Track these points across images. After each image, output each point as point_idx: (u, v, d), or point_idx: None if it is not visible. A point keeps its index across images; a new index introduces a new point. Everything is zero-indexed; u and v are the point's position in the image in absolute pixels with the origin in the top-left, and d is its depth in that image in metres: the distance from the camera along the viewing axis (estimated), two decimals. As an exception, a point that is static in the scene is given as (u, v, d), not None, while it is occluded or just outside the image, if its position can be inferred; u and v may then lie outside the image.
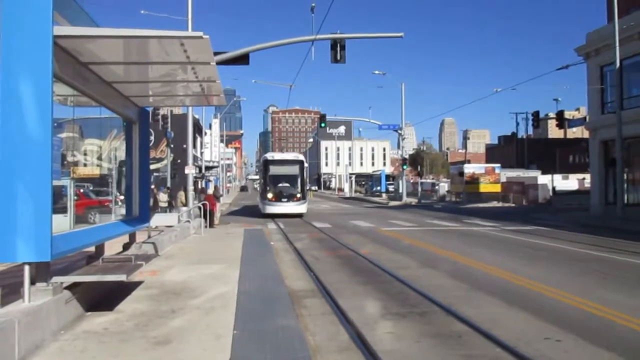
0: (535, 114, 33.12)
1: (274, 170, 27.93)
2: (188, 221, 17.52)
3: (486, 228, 20.29)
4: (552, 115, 44.64)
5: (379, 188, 64.63)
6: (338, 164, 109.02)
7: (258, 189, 41.71)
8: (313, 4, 19.49)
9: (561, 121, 28.49)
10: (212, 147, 62.96)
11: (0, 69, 5.18)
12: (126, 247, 10.00)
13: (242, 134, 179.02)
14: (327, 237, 17.23)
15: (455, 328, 6.29)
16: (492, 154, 79.27)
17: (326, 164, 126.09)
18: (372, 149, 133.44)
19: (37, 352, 4.87)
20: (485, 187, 42.46)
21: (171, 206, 23.69)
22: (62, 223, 6.69)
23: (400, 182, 48.27)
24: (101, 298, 6.96)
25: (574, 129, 53.84)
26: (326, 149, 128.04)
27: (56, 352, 4.94)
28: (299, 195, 27.19)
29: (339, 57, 18.73)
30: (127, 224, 9.10)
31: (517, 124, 69.89)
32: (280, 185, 27.42)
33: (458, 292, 8.38)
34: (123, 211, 9.54)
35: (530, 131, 74.23)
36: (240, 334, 5.49)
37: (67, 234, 6.52)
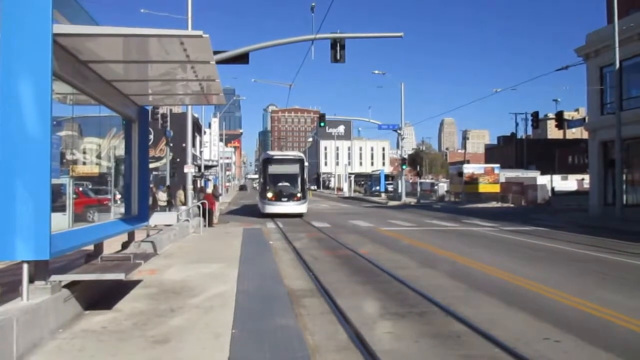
0: (535, 115, 33.13)
1: (273, 169, 27.48)
2: (187, 220, 17.51)
3: (485, 228, 20.29)
4: (551, 115, 44.72)
5: (378, 188, 64.64)
6: (337, 163, 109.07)
7: (257, 188, 41.57)
8: (313, 4, 19.49)
9: (560, 122, 28.51)
10: (211, 146, 62.98)
11: (0, 66, 5.17)
12: (125, 245, 9.98)
13: (241, 133, 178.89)
14: (326, 237, 17.22)
15: (454, 328, 6.29)
16: (492, 154, 79.35)
17: (325, 164, 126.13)
18: (372, 149, 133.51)
19: (35, 350, 4.87)
20: (484, 187, 42.47)
21: (170, 205, 23.66)
22: (61, 221, 6.68)
23: (400, 182, 48.26)
24: (100, 297, 6.96)
25: (573, 130, 53.82)
26: (325, 148, 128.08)
27: (54, 351, 4.94)
28: (299, 195, 26.70)
29: (338, 57, 18.73)
30: (126, 222, 9.08)
31: (517, 124, 69.99)
32: (280, 184, 26.93)
33: (457, 292, 8.38)
34: (122, 210, 9.53)
35: (530, 132, 74.24)
36: (239, 333, 5.49)
37: (65, 232, 6.51)
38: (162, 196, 24.45)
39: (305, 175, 28.29)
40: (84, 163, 9.00)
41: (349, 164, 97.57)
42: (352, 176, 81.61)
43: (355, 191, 73.79)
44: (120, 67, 7.51)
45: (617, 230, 18.77)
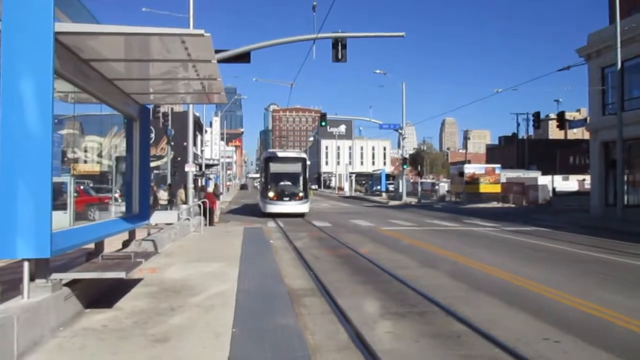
0: (536, 115, 33.07)
1: (275, 167, 26.94)
2: (188, 219, 17.50)
3: (486, 228, 20.28)
4: (552, 116, 44.55)
5: (379, 187, 64.67)
6: (338, 163, 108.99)
7: (258, 187, 41.49)
8: (314, 3, 19.48)
9: (562, 122, 28.49)
10: (212, 145, 63.01)
11: (1, 65, 5.17)
12: (126, 244, 10.00)
13: (242, 132, 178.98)
14: (326, 236, 17.22)
15: (455, 328, 6.29)
16: (493, 154, 79.30)
17: (326, 163, 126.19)
18: (373, 148, 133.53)
19: (35, 348, 4.87)
20: (485, 187, 42.44)
21: (171, 204, 23.67)
22: (61, 220, 6.68)
23: (400, 181, 48.26)
24: (100, 295, 6.96)
25: (575, 130, 53.83)
26: (326, 147, 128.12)
27: (55, 349, 4.94)
28: (301, 194, 26.15)
29: (340, 56, 18.73)
30: (127, 221, 9.09)
31: (518, 124, 69.97)
32: (281, 183, 26.44)
33: (457, 292, 8.37)
34: (123, 208, 9.53)
35: (531, 132, 74.23)
36: (239, 332, 5.49)
37: (66, 230, 6.51)
38: (163, 195, 24.50)
39: (308, 175, 27.82)
40: (85, 161, 9.01)
41: (350, 163, 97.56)
42: (353, 176, 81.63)
43: (356, 191, 73.80)
44: (122, 65, 7.51)
45: (618, 231, 18.75)
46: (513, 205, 38.55)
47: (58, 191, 6.83)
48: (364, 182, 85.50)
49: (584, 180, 41.21)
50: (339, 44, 18.63)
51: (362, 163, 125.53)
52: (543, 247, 14.55)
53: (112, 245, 9.18)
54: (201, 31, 5.90)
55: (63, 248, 5.82)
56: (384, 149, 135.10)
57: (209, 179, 53.34)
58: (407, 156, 51.13)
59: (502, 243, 15.71)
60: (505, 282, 9.30)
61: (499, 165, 45.42)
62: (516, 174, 47.74)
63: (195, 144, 35.59)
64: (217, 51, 12.34)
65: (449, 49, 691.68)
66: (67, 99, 7.42)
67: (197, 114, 47.48)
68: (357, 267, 11.11)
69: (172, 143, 29.90)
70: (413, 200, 45.05)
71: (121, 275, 6.31)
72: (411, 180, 67.05)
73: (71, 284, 6.15)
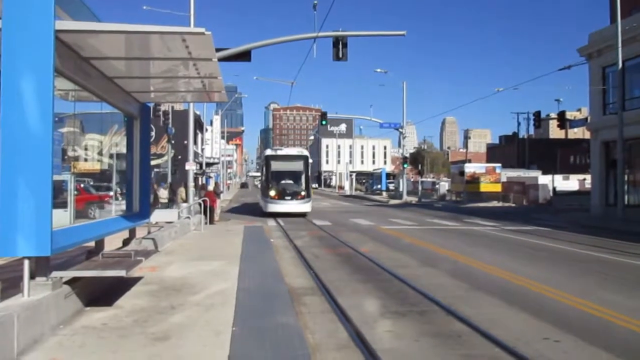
0: (537, 114, 33.04)
1: (276, 166, 26.17)
2: (188, 217, 17.51)
3: (486, 228, 20.28)
4: (553, 115, 44.53)
5: (379, 186, 64.68)
6: (339, 161, 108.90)
7: (259, 186, 41.33)
8: (315, 2, 19.47)
9: (562, 122, 28.47)
10: (212, 144, 63.01)
11: (2, 63, 5.17)
12: (126, 242, 10.01)
13: (243, 131, 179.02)
14: (327, 235, 17.22)
15: (455, 327, 6.29)
16: (493, 153, 79.23)
17: (327, 162, 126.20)
18: (373, 147, 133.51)
19: (35, 346, 4.87)
20: (485, 186, 42.45)
21: (171, 202, 23.67)
22: (62, 218, 6.69)
23: (401, 180, 48.26)
24: (100, 293, 6.97)
25: (575, 130, 53.87)
26: (327, 146, 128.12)
27: (55, 347, 4.94)
28: (303, 193, 25.42)
29: (340, 55, 18.72)
30: (127, 219, 9.09)
31: (519, 123, 69.96)
32: (283, 182, 25.72)
33: (458, 292, 8.37)
34: (123, 207, 9.53)
35: (532, 131, 74.20)
36: (239, 331, 5.49)
37: (67, 228, 6.52)
38: (163, 193, 24.47)
39: (310, 173, 27.06)
40: (86, 160, 9.02)
41: (351, 162, 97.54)
42: (354, 174, 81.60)
43: (356, 189, 73.76)
44: (122, 63, 7.50)
45: (619, 231, 18.74)
46: (513, 205, 38.54)
47: (58, 189, 6.84)
48: (364, 181, 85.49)
49: (584, 179, 41.21)
50: (340, 43, 18.62)
51: (362, 162, 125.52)
52: (543, 246, 14.55)
53: (112, 243, 9.18)
54: (202, 29, 5.90)
55: (63, 246, 5.82)
56: (385, 148, 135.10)
57: (210, 177, 53.35)
58: (407, 155, 51.11)
59: (503, 242, 15.70)
60: (505, 282, 9.29)
61: (499, 165, 45.43)
62: (517, 174, 47.72)
63: (195, 142, 35.57)
64: (217, 49, 12.33)
65: (449, 49, 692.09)
66: (68, 97, 7.42)
67: (198, 113, 47.49)
68: (358, 266, 11.11)
69: (173, 141, 29.91)
70: (413, 199, 45.04)
71: (121, 273, 6.31)
72: (411, 180, 67.10)
73: (71, 282, 6.15)
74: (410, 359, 5.29)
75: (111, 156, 9.66)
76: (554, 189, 36.32)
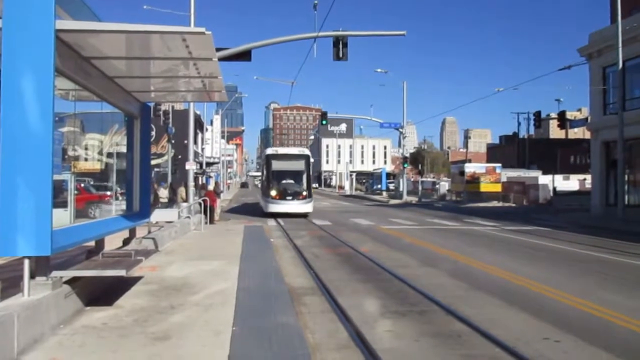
0: (537, 114, 33.04)
1: (277, 165, 25.74)
2: (188, 217, 17.51)
3: (486, 228, 20.28)
4: (553, 115, 44.53)
5: (379, 186, 64.65)
6: (339, 161, 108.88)
7: (259, 185, 41.23)
8: (316, 1, 19.47)
9: (563, 122, 28.46)
10: (213, 143, 63.03)
11: (2, 62, 5.17)
12: (126, 242, 10.01)
13: (243, 131, 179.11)
14: (327, 235, 17.22)
15: (455, 327, 6.29)
16: (493, 153, 79.24)
17: (327, 162, 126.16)
18: (373, 147, 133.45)
19: (36, 346, 4.87)
20: (485, 186, 42.44)
21: (172, 202, 23.68)
22: (62, 217, 6.69)
23: (401, 180, 48.24)
24: (101, 293, 6.97)
25: (576, 130, 53.86)
26: (327, 146, 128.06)
27: (55, 347, 4.94)
28: (304, 193, 24.97)
29: (341, 55, 18.73)
30: (128, 219, 9.09)
31: (519, 123, 69.93)
32: (284, 181, 25.27)
33: (458, 292, 8.37)
34: (123, 206, 9.53)
35: (532, 131, 74.18)
36: (239, 331, 5.49)
37: (67, 228, 6.52)
38: (163, 193, 24.48)
39: (311, 173, 26.68)
40: (86, 159, 9.02)
41: (351, 162, 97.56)
42: (354, 174, 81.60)
43: (356, 189, 73.77)
44: (123, 63, 7.50)
45: (619, 231, 18.74)
46: (513, 205, 38.54)
47: (58, 189, 6.84)
48: (364, 180, 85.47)
49: (584, 179, 41.22)
50: (340, 43, 18.62)
51: (362, 162, 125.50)
52: (543, 246, 14.55)
53: (112, 243, 9.18)
54: (202, 29, 5.90)
55: (63, 246, 5.82)
56: (385, 147, 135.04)
57: (210, 177, 53.36)
58: (407, 155, 51.11)
59: (503, 242, 15.70)
60: (505, 282, 9.29)
61: (499, 165, 45.42)
62: (517, 173, 47.70)
63: (195, 142, 35.57)
64: (217, 49, 12.34)
65: (449, 49, 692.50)
66: (68, 97, 7.42)
67: (198, 112, 47.52)
68: (358, 265, 11.11)
69: (173, 141, 29.91)
70: (413, 199, 45.04)
71: (121, 273, 6.31)
72: (412, 179, 67.09)
73: (71, 281, 6.15)
74: (411, 358, 5.30)
75: (111, 156, 9.66)
76: (554, 189, 36.28)
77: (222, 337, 5.27)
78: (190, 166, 21.12)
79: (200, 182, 31.11)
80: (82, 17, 6.52)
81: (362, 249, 13.45)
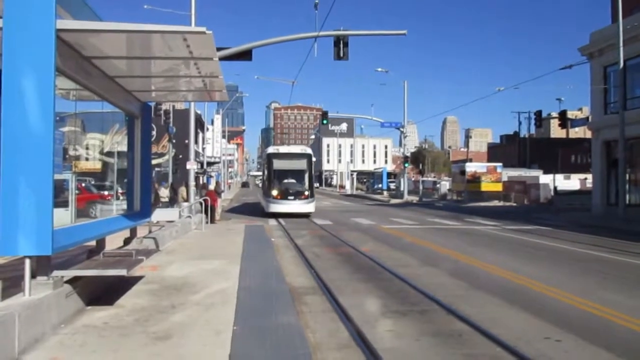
0: (538, 114, 33.00)
1: (278, 164, 25.19)
2: (189, 217, 17.52)
3: (487, 227, 20.27)
4: (554, 114, 44.47)
5: (380, 186, 64.65)
6: (340, 161, 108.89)
7: (260, 185, 41.12)
8: (316, 1, 19.49)
9: (564, 121, 28.41)
10: (213, 143, 63.05)
11: (3, 62, 5.17)
12: (127, 241, 10.02)
13: (244, 130, 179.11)
14: (328, 234, 17.22)
15: (456, 327, 6.28)
16: (494, 153, 79.20)
17: (328, 161, 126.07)
18: (374, 147, 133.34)
19: (37, 345, 4.88)
20: (486, 186, 42.39)
21: (172, 201, 23.69)
22: (63, 217, 6.70)
23: (402, 180, 48.22)
24: (101, 292, 6.97)
25: (577, 129, 53.70)
26: (328, 145, 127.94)
27: (56, 346, 4.95)
28: (306, 193, 24.44)
29: (341, 54, 18.72)
30: (128, 218, 9.10)
31: (520, 123, 70.24)
32: (285, 181, 24.77)
33: (458, 291, 8.37)
34: (124, 206, 9.54)
35: (533, 130, 74.20)
36: (240, 330, 5.49)
37: (68, 228, 6.52)
38: (164, 192, 24.50)
39: (313, 172, 26.10)
40: (87, 159, 9.03)
41: (352, 161, 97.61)
42: (355, 174, 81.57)
43: (357, 189, 73.74)
44: (124, 63, 7.51)
45: (620, 230, 18.72)
46: (514, 204, 38.50)
47: (59, 188, 6.84)
48: (365, 180, 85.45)
49: (585, 179, 41.18)
50: (341, 42, 18.62)
51: (363, 161, 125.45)
52: (544, 245, 14.54)
53: (113, 242, 9.19)
54: (203, 29, 5.90)
55: (64, 245, 5.82)
56: (386, 147, 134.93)
57: (211, 176, 53.39)
58: (408, 154, 51.09)
59: (504, 242, 15.69)
60: (506, 281, 9.29)
61: (500, 164, 45.35)
62: (518, 173, 47.66)
63: (196, 141, 35.60)
64: (218, 49, 12.34)
65: (450, 48, 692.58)
66: (69, 97, 7.43)
67: (199, 112, 47.53)
68: (358, 265, 11.11)
69: (174, 141, 29.91)
70: (414, 198, 45.02)
71: (122, 272, 6.32)
72: (412, 179, 67.06)
73: (72, 281, 6.15)
74: (411, 358, 5.29)
75: (112, 155, 9.67)
76: (555, 188, 36.23)
77: (223, 337, 5.27)
78: (191, 166, 21.13)
79: (201, 182, 31.15)
80: (83, 16, 6.52)
81: (363, 248, 13.45)
